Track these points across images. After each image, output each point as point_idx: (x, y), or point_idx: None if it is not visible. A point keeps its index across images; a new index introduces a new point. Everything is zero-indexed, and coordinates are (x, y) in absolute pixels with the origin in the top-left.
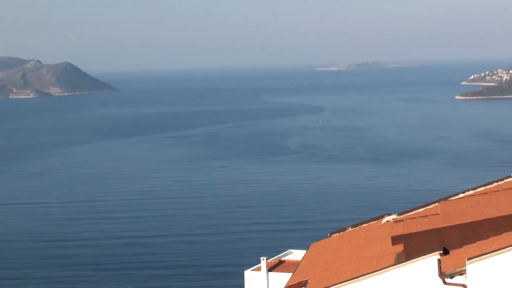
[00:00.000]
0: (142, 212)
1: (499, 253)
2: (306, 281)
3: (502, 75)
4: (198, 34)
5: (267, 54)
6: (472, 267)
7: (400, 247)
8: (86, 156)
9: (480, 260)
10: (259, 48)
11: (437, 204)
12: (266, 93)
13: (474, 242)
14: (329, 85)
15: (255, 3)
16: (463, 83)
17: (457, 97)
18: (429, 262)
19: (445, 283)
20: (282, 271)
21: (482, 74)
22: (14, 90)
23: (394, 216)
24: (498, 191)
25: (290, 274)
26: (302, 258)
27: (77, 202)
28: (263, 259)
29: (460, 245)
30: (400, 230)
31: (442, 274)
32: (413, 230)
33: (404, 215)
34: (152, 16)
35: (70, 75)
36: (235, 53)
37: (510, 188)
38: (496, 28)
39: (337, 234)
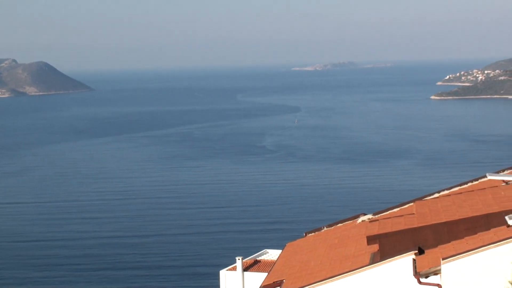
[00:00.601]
0: (117, 212)
1: (473, 253)
2: (282, 281)
3: (477, 75)
4: (174, 34)
5: (243, 54)
6: (446, 266)
7: (375, 247)
8: (61, 155)
9: (454, 260)
10: (235, 48)
11: (412, 204)
12: (242, 93)
13: (449, 242)
14: (305, 85)
15: (232, 3)
16: (439, 83)
17: (433, 97)
18: (404, 261)
19: (420, 282)
20: (257, 270)
21: (458, 74)
22: None
23: (369, 216)
24: (473, 191)
25: (265, 274)
26: (278, 258)
27: (52, 202)
28: (239, 259)
29: (435, 244)
30: (375, 230)
31: (417, 274)
32: (388, 230)
33: (379, 215)
34: (127, 16)
35: (46, 74)
36: (210, 53)
37: (485, 188)
38: (471, 28)
39: (313, 234)
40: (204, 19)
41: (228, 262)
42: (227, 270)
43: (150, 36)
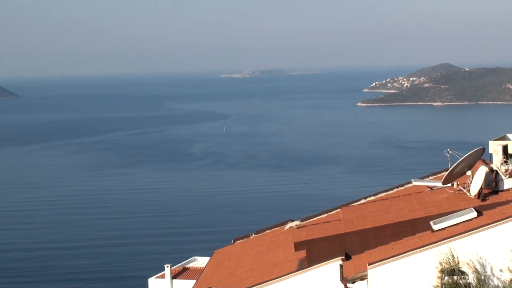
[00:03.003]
0: (45, 221)
1: (399, 258)
2: None
3: (403, 82)
4: (105, 40)
5: (171, 61)
6: (373, 272)
7: (302, 253)
8: None
9: (380, 265)
10: (163, 55)
11: (339, 210)
12: (170, 100)
13: (375, 247)
14: (233, 92)
15: (160, 10)
16: (365, 90)
17: (359, 104)
18: (331, 267)
19: None
20: (186, 278)
21: (383, 82)
22: None
23: (297, 222)
24: (398, 196)
25: (194, 281)
26: (206, 265)
27: None
28: (167, 266)
29: (361, 250)
30: (302, 236)
31: (344, 279)
32: (316, 236)
33: (306, 221)
34: (56, 22)
35: None
36: (138, 60)
37: (410, 194)
38: (397, 37)
39: (241, 240)
40: (134, 26)
41: (156, 269)
42: (155, 277)
43: (79, 42)
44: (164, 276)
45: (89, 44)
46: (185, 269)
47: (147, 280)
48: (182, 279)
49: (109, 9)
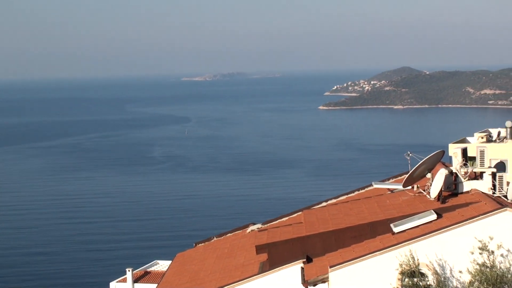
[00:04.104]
0: (3, 227)
1: (360, 260)
2: None
3: (364, 85)
4: (62, 44)
5: (132, 64)
6: (334, 274)
7: (264, 256)
8: None
9: (341, 267)
10: (123, 58)
11: (300, 213)
12: (131, 103)
13: (336, 250)
14: (194, 95)
15: (119, 12)
16: (326, 93)
17: (320, 107)
18: (293, 270)
19: None
20: (147, 282)
21: (345, 85)
22: None
23: (258, 225)
24: (359, 199)
25: (155, 285)
26: (168, 269)
27: None
28: (129, 270)
29: (322, 253)
30: (264, 239)
31: (305, 282)
32: (277, 239)
33: (268, 224)
34: (21, 24)
35: None
36: (99, 63)
37: (371, 197)
38: (358, 40)
39: (203, 244)
40: (93, 29)
41: (118, 273)
42: (117, 281)
43: (39, 45)
44: (126, 280)
45: (49, 47)
46: (146, 273)
47: (109, 284)
48: (144, 283)
49: (70, 11)
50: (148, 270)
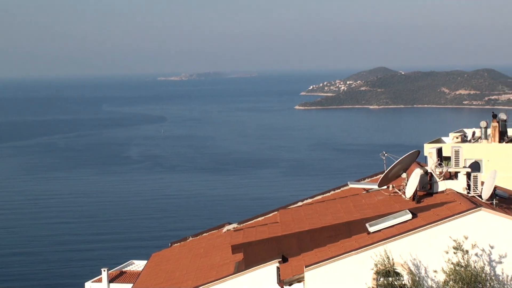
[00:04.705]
0: None
1: (335, 260)
2: None
3: (340, 85)
4: (36, 42)
5: (107, 63)
6: (309, 274)
7: (240, 256)
8: None
9: (317, 267)
10: (99, 57)
11: (276, 212)
12: (107, 103)
13: (312, 249)
14: (171, 95)
15: (94, 12)
16: (302, 93)
17: (297, 107)
18: (268, 270)
19: None
20: (123, 282)
21: (321, 85)
22: None
23: (234, 225)
24: (335, 199)
25: (131, 285)
26: (143, 269)
27: None
28: (104, 270)
29: (298, 252)
30: (240, 238)
31: (281, 282)
32: (253, 239)
33: (244, 224)
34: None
35: None
36: (74, 62)
37: (346, 196)
38: (334, 40)
39: (178, 244)
40: (69, 27)
41: (93, 273)
42: (92, 281)
43: (16, 43)
44: (101, 280)
45: (23, 45)
46: (122, 273)
47: (84, 284)
48: (119, 283)
49: (44, 9)
50: (124, 270)
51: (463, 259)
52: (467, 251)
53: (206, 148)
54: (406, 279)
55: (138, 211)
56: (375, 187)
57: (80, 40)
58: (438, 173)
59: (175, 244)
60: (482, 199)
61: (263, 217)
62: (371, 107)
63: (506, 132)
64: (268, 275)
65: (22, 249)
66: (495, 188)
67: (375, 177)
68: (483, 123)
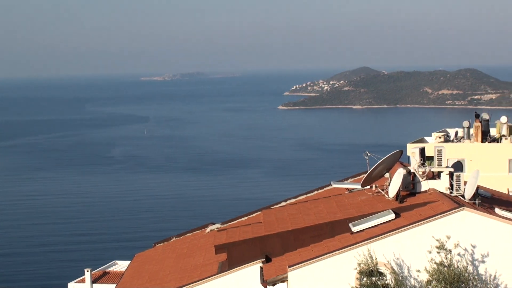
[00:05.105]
0: None
1: (318, 260)
2: None
3: (323, 85)
4: (17, 42)
5: (91, 63)
6: (293, 274)
7: (223, 256)
8: None
9: (300, 267)
10: (82, 58)
11: (259, 212)
12: (90, 103)
13: (295, 249)
14: (154, 95)
15: (77, 12)
16: (286, 93)
17: (280, 107)
18: (252, 270)
19: None
20: (106, 282)
21: (304, 85)
22: None
23: (218, 225)
24: (318, 199)
25: (114, 285)
26: (127, 269)
27: None
28: (87, 271)
29: (281, 252)
30: (223, 239)
31: (264, 282)
32: (236, 239)
33: (227, 224)
34: None
35: None
36: (56, 63)
37: (330, 196)
38: (318, 39)
39: (162, 244)
40: (51, 27)
41: (77, 274)
42: (75, 282)
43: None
44: (84, 280)
45: (7, 46)
46: (105, 273)
47: (67, 285)
48: (103, 283)
49: (24, 9)
50: (107, 270)
51: (446, 258)
52: (450, 251)
53: (189, 148)
54: (389, 278)
55: (122, 212)
56: (358, 187)
57: (62, 40)
58: (421, 173)
59: (159, 245)
60: (465, 198)
61: (246, 217)
62: (354, 107)
63: (488, 132)
64: (251, 275)
65: (5, 250)
66: (478, 187)
67: (358, 177)
68: (465, 123)
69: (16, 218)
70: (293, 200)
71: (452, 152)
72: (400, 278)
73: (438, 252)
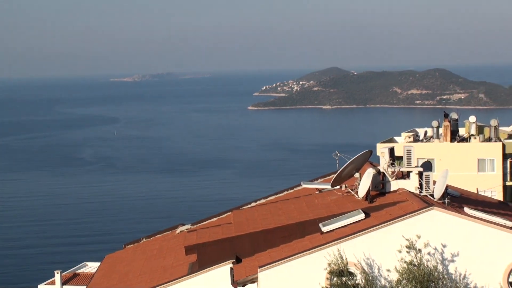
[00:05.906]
0: None
1: (289, 260)
2: None
3: (293, 86)
4: None
5: (59, 65)
6: (263, 274)
7: (193, 257)
8: None
9: (271, 267)
10: (50, 59)
11: (229, 213)
12: (59, 104)
13: (266, 250)
14: (123, 96)
15: (44, 12)
16: (255, 94)
17: (250, 107)
18: (222, 270)
19: None
20: (76, 284)
21: (274, 85)
22: None
23: (188, 226)
24: (288, 199)
25: (84, 287)
26: (97, 270)
27: None
28: (57, 273)
29: (252, 253)
30: (193, 239)
31: (234, 282)
32: (206, 240)
33: (197, 225)
34: None
35: None
36: (24, 64)
37: (300, 197)
38: (287, 40)
39: (132, 245)
40: (18, 27)
41: (46, 276)
42: (45, 284)
43: None
44: (54, 282)
45: None
46: (75, 275)
47: (37, 286)
48: (73, 285)
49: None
50: (77, 272)
51: (416, 258)
52: (419, 250)
53: (159, 149)
54: (359, 278)
55: (92, 213)
56: (328, 187)
57: (30, 41)
58: (390, 172)
59: (129, 246)
60: (434, 198)
61: (216, 218)
62: (324, 107)
63: (457, 131)
64: (222, 276)
65: None
66: (447, 187)
67: (328, 177)
68: (434, 123)
69: None
70: (263, 201)
71: (421, 152)
72: (370, 277)
73: (408, 252)
